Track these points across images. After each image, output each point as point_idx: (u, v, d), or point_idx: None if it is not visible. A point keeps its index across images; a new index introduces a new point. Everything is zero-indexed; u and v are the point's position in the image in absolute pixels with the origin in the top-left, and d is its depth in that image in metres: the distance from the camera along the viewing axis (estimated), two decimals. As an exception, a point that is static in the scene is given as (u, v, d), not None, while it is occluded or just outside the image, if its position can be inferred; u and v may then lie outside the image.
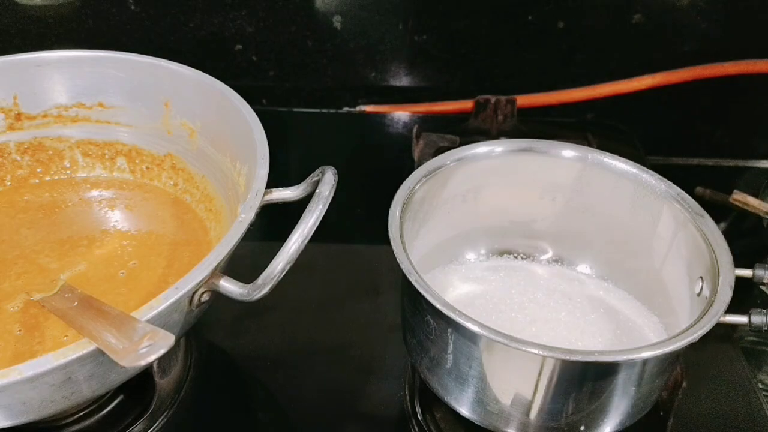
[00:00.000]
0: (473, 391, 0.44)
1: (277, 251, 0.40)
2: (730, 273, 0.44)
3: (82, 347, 0.35)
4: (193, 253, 0.53)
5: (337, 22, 0.77)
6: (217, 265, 0.39)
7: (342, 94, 0.83)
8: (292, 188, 0.47)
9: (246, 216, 0.42)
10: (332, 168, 0.44)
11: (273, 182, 0.46)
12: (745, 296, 0.52)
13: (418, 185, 0.50)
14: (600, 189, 0.53)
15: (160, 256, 0.53)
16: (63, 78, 0.57)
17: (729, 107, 0.80)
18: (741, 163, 0.82)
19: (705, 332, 0.40)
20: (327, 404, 0.53)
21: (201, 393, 0.53)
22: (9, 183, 0.59)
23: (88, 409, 0.50)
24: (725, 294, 0.42)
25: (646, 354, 0.39)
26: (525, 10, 0.76)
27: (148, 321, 0.36)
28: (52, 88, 0.57)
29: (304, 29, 0.78)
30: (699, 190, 0.70)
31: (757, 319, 0.44)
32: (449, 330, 0.42)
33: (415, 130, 0.74)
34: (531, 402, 0.42)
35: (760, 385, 0.55)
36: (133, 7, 0.75)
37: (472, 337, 0.41)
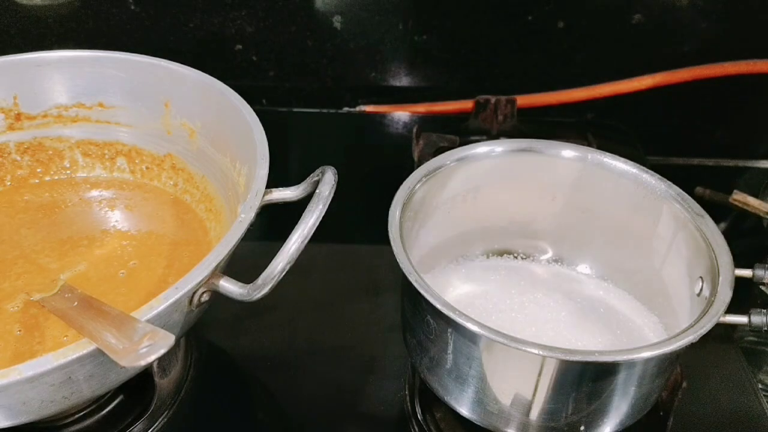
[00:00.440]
0: (473, 391, 0.44)
1: (277, 251, 0.40)
2: (730, 273, 0.44)
3: (82, 347, 0.35)
4: (193, 253, 0.53)
5: (337, 22, 0.77)
6: (217, 265, 0.39)
7: (342, 94, 0.83)
8: (292, 188, 0.47)
9: (246, 216, 0.42)
10: (332, 168, 0.44)
11: (273, 182, 0.46)
12: (745, 296, 0.52)
13: (418, 185, 0.50)
14: (600, 189, 0.53)
15: (160, 256, 0.53)
16: (63, 78, 0.57)
17: (729, 107, 0.80)
18: (741, 163, 0.82)
19: (705, 332, 0.40)
20: (327, 404, 0.53)
21: (201, 393, 0.53)
22: (9, 183, 0.59)
23: (88, 409, 0.50)
24: (725, 294, 0.42)
25: (646, 354, 0.39)
26: (525, 10, 0.76)
27: (148, 321, 0.36)
28: (52, 88, 0.57)
29: (304, 29, 0.78)
30: (699, 190, 0.70)
31: (757, 319, 0.44)
32: (449, 330, 0.42)
33: (415, 130, 0.74)
34: (531, 402, 0.42)
35: (760, 385, 0.55)
36: (133, 7, 0.75)
37: (472, 337, 0.41)
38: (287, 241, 0.41)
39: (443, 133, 0.74)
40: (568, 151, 0.53)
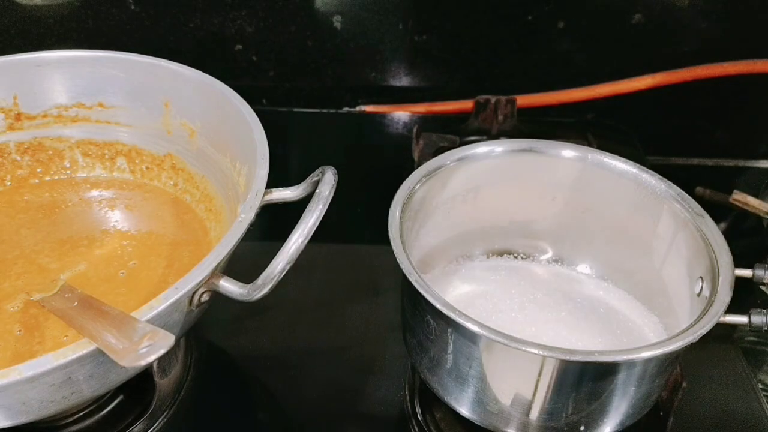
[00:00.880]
0: (473, 391, 0.44)
1: (277, 251, 0.40)
2: (730, 273, 0.44)
3: (82, 347, 0.35)
4: (193, 253, 0.53)
5: (337, 22, 0.77)
6: (217, 265, 0.39)
7: (342, 94, 0.83)
8: (292, 188, 0.47)
9: (246, 216, 0.42)
10: (332, 168, 0.44)
11: (273, 182, 0.46)
12: (745, 296, 0.52)
13: (418, 185, 0.50)
14: (600, 189, 0.53)
15: (160, 256, 0.53)
16: (63, 78, 0.57)
17: (729, 107, 0.80)
18: (741, 163, 0.82)
19: (705, 332, 0.40)
20: (327, 404, 0.53)
21: (201, 393, 0.53)
22: (9, 183, 0.59)
23: (88, 409, 0.50)
24: (725, 294, 0.42)
25: (646, 354, 0.39)
26: (525, 10, 0.76)
27: (148, 321, 0.36)
28: (52, 88, 0.57)
29: (304, 29, 0.78)
30: (699, 190, 0.70)
31: (757, 319, 0.44)
32: (449, 330, 0.42)
33: (415, 130, 0.74)
34: (531, 402, 0.42)
35: (760, 385, 0.55)
36: (133, 7, 0.75)
37: (472, 337, 0.41)
38: (287, 241, 0.41)
39: (443, 133, 0.74)
40: (568, 151, 0.53)
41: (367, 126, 0.83)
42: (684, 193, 0.50)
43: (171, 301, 0.37)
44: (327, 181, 0.43)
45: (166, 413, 0.51)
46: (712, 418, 0.52)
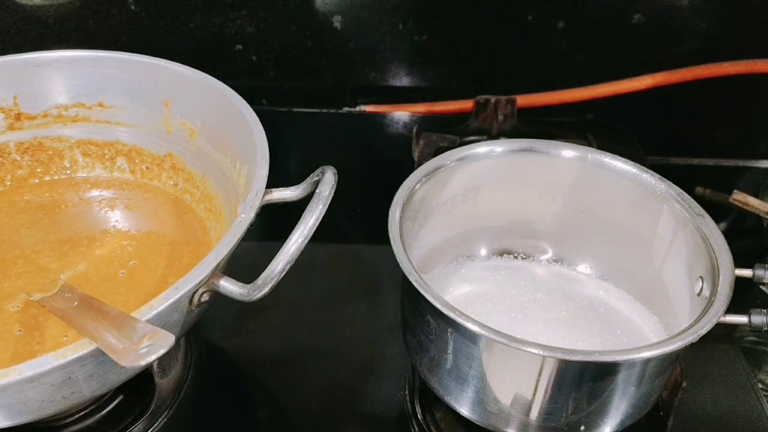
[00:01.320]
0: (473, 391, 0.44)
1: (277, 251, 0.40)
2: (730, 273, 0.44)
3: (82, 347, 0.35)
4: (193, 253, 0.53)
5: (337, 22, 0.77)
6: (217, 265, 0.39)
7: (342, 94, 0.83)
8: (292, 188, 0.47)
9: (246, 216, 0.42)
10: (332, 168, 0.44)
11: (273, 182, 0.46)
12: (745, 296, 0.52)
13: (418, 185, 0.50)
14: (600, 189, 0.53)
15: (160, 256, 0.53)
16: (63, 78, 0.57)
17: (729, 107, 0.80)
18: (741, 163, 0.82)
19: (705, 332, 0.40)
20: (327, 404, 0.53)
21: (201, 393, 0.53)
22: (9, 183, 0.59)
23: (88, 409, 0.50)
24: (725, 294, 0.42)
25: (646, 354, 0.39)
26: (525, 10, 0.76)
27: (148, 321, 0.36)
28: (52, 88, 0.57)
29: (304, 29, 0.78)
30: (699, 190, 0.70)
31: (757, 319, 0.44)
32: (449, 330, 0.42)
33: (415, 130, 0.74)
34: (531, 402, 0.42)
35: (760, 385, 0.55)
36: (133, 7, 0.75)
37: (472, 337, 0.41)
38: (287, 241, 0.41)
39: (443, 133, 0.74)
40: (568, 151, 0.53)
41: (367, 126, 0.83)
42: (684, 193, 0.50)
43: (171, 301, 0.37)
44: (327, 181, 0.43)
45: (166, 413, 0.51)
46: (712, 418, 0.52)
